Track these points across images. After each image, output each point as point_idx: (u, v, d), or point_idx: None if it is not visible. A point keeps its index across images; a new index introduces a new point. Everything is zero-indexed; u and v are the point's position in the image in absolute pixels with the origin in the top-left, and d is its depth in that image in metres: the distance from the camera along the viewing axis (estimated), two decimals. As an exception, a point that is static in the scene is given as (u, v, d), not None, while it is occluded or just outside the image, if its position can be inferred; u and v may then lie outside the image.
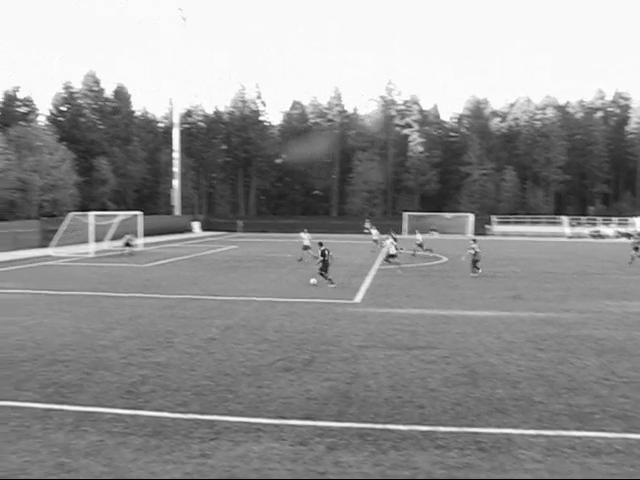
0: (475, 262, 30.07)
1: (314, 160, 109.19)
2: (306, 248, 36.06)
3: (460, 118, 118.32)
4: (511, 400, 10.34)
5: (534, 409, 9.93)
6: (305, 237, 36.96)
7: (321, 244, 26.61)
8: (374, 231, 47.19)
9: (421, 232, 43.43)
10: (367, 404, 10.14)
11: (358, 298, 22.02)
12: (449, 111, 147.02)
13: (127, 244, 40.93)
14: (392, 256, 31.26)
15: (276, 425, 9.16)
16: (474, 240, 31.38)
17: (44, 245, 44.91)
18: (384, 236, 42.18)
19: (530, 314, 18.91)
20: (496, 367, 12.51)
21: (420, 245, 41.51)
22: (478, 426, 9.15)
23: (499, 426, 9.15)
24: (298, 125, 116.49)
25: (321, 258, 25.76)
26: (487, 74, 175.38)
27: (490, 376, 11.84)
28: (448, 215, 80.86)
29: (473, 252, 30.05)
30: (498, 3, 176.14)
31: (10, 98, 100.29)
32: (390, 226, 65.85)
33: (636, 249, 36.13)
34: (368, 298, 22.03)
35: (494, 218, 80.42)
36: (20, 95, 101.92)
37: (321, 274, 25.72)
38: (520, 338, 15.29)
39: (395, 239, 34.50)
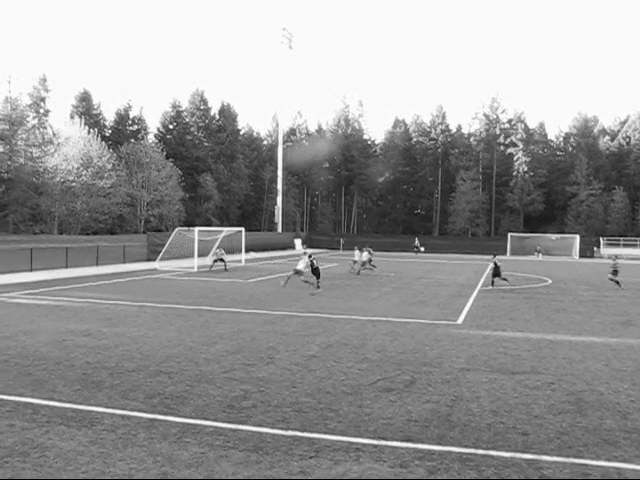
0: (494, 276, 32.87)
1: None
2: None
3: (567, 137, 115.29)
4: (622, 432, 9.85)
5: (647, 442, 9.45)
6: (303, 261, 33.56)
7: (310, 256, 31.09)
8: (357, 252, 42.54)
9: (367, 250, 41.75)
10: (469, 428, 9.91)
11: (460, 319, 21.66)
12: (556, 128, 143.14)
13: (221, 259, 41.20)
14: (298, 272, 31.28)
15: (375, 446, 9.06)
16: (494, 254, 34.49)
17: (151, 259, 46.31)
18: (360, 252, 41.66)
19: (641, 341, 18.11)
20: (604, 396, 12.00)
21: (364, 263, 40.63)
22: (586, 457, 8.75)
23: (609, 459, 8.71)
24: (401, 143, 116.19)
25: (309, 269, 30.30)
26: (597, 90, 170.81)
27: (598, 405, 11.36)
28: (553, 236, 78.80)
29: (493, 266, 32.96)
30: (609, 18, 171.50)
31: (122, 117, 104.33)
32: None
33: (615, 273, 34.24)
34: (470, 319, 21.65)
35: (603, 240, 77.74)
36: (131, 114, 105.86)
37: (306, 281, 30.01)
38: (630, 366, 14.63)
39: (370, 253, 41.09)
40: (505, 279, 33.26)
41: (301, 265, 31.16)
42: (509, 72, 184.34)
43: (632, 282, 39.00)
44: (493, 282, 33.09)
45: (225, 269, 40.83)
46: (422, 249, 73.65)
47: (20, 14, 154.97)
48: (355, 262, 41.91)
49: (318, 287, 29.34)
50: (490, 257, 34.62)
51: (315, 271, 30.11)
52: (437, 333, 18.71)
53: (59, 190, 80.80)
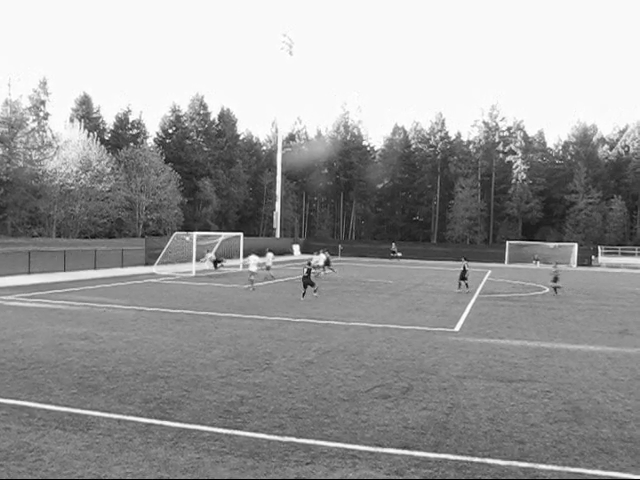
0: (463, 278, 34.28)
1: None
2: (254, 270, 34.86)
3: (566, 145, 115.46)
4: (618, 441, 9.84)
5: (643, 452, 9.41)
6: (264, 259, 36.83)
7: (309, 263, 30.87)
8: (322, 255, 42.76)
9: (330, 253, 43.03)
10: (465, 436, 9.90)
11: (457, 327, 21.67)
12: (555, 137, 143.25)
13: (218, 261, 41.40)
14: (252, 273, 32.81)
15: (372, 452, 9.05)
16: (465, 258, 35.67)
17: (149, 263, 46.22)
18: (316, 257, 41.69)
19: (639, 351, 18.09)
20: (601, 405, 12.00)
21: (317, 267, 40.64)
22: (582, 466, 8.74)
23: (605, 468, 8.70)
24: (400, 150, 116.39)
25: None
26: (596, 99, 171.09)
27: (595, 414, 11.35)
28: (551, 245, 78.73)
29: (462, 269, 34.17)
30: (609, 26, 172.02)
31: (121, 121, 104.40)
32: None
33: (555, 280, 34.85)
34: (468, 327, 21.64)
35: (601, 249, 77.69)
36: (131, 118, 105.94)
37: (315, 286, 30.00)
38: (627, 376, 14.62)
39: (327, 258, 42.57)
40: (466, 285, 34.51)
41: (253, 267, 32.96)
42: (509, 80, 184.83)
43: (630, 291, 39.02)
44: (460, 284, 34.40)
45: (218, 268, 41.13)
46: (399, 254, 73.91)
47: (21, 17, 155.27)
48: (318, 267, 41.33)
49: (303, 296, 28.66)
50: (462, 261, 35.34)
51: (305, 279, 29.27)
52: (434, 340, 18.70)
53: (58, 193, 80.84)
